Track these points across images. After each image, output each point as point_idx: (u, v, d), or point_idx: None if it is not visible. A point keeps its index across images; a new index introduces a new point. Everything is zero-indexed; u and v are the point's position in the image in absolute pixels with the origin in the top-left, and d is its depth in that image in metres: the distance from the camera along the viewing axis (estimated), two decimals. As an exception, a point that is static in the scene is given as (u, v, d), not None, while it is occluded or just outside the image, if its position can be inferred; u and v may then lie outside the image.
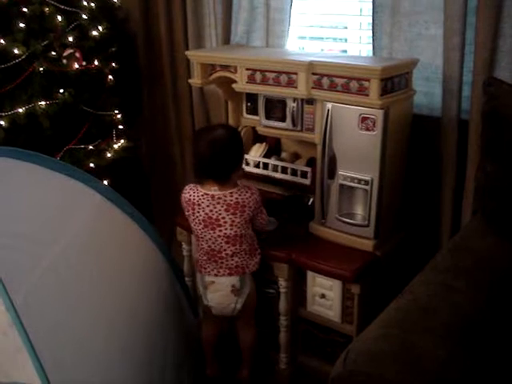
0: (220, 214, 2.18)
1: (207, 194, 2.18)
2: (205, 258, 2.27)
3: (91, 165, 2.82)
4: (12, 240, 1.73)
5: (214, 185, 2.18)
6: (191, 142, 2.26)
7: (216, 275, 2.25)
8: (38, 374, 1.48)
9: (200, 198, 2.19)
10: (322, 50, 2.88)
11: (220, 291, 2.27)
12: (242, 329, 2.44)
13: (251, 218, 2.23)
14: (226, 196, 2.17)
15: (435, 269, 1.78)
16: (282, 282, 2.37)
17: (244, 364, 2.49)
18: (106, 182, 2.81)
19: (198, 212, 2.20)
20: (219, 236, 2.20)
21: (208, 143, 2.15)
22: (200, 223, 2.21)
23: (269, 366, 2.56)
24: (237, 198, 2.18)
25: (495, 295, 1.67)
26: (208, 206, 2.18)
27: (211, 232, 2.20)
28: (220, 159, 2.15)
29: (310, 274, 2.33)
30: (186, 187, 2.27)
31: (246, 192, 2.20)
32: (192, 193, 2.22)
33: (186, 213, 2.26)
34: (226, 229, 2.18)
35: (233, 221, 2.18)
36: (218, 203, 2.17)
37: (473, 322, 1.53)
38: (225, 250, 2.22)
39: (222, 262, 2.24)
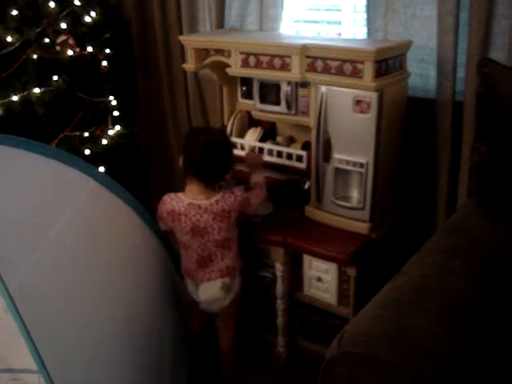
0: (208, 223, 2.15)
1: (193, 204, 2.15)
2: (195, 266, 2.23)
3: (87, 152, 2.82)
4: (7, 226, 1.73)
5: (199, 189, 2.16)
6: (184, 140, 2.23)
7: (208, 280, 2.22)
8: (34, 359, 1.48)
9: (186, 208, 2.15)
10: (319, 33, 2.87)
11: (211, 288, 2.24)
12: (222, 331, 2.41)
13: (236, 218, 2.23)
14: (212, 205, 2.15)
15: (430, 250, 1.79)
16: (278, 266, 2.38)
17: (223, 366, 2.45)
18: (102, 169, 2.80)
19: (185, 222, 2.16)
20: (208, 241, 2.18)
21: (205, 146, 2.14)
22: (187, 233, 2.18)
23: (266, 348, 2.57)
24: (223, 206, 2.16)
25: (489, 276, 1.67)
26: (195, 215, 2.15)
27: (200, 239, 2.18)
28: (217, 163, 2.16)
29: (306, 257, 2.33)
30: (166, 198, 2.21)
31: (230, 197, 2.18)
32: (175, 203, 2.17)
33: (170, 223, 2.21)
34: (213, 235, 2.17)
35: (220, 227, 2.16)
36: (205, 212, 2.15)
37: (467, 303, 1.53)
38: (215, 253, 2.20)
39: (213, 266, 2.21)
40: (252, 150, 2.59)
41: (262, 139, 2.63)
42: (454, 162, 2.38)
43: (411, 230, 2.47)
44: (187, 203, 2.15)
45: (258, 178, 2.36)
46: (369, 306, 1.55)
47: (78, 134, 2.83)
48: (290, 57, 2.25)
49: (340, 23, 2.81)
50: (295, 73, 2.26)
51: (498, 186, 1.95)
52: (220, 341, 2.43)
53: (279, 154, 2.53)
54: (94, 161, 2.67)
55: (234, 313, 2.38)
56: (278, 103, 2.43)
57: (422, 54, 2.41)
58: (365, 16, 2.50)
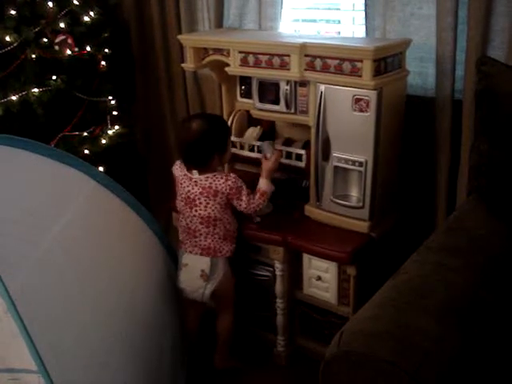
0: (196, 195, 2.26)
1: (187, 175, 2.28)
2: (184, 234, 2.34)
3: (86, 151, 2.82)
4: (7, 226, 1.73)
5: (195, 168, 2.27)
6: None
7: (191, 252, 2.32)
8: (34, 359, 1.48)
9: (182, 178, 2.30)
10: (318, 32, 2.86)
11: (191, 274, 2.32)
12: (219, 314, 2.46)
13: (226, 203, 2.28)
14: (201, 180, 2.25)
15: (430, 248, 1.78)
16: (278, 265, 2.38)
17: (217, 350, 2.49)
18: (101, 169, 2.80)
19: (180, 190, 2.31)
20: (195, 216, 2.27)
21: (186, 132, 2.26)
22: (182, 200, 2.31)
23: (266, 348, 2.57)
24: (210, 183, 2.24)
25: (490, 275, 1.67)
26: (188, 185, 2.28)
27: (189, 210, 2.28)
28: (196, 148, 2.23)
29: (305, 256, 2.33)
30: (177, 162, 2.37)
31: (221, 178, 2.25)
32: (178, 171, 2.33)
33: (176, 186, 2.35)
34: (200, 209, 2.26)
35: (207, 203, 2.25)
36: (196, 185, 2.26)
37: (467, 302, 1.53)
38: (199, 230, 2.28)
39: (195, 241, 2.30)
40: (251, 148, 2.59)
41: (262, 138, 2.63)
42: (453, 161, 2.38)
43: (411, 228, 2.47)
44: (183, 174, 2.31)
45: (266, 187, 2.33)
46: (368, 305, 1.55)
47: (77, 133, 2.82)
48: (288, 56, 2.24)
49: (339, 22, 2.81)
50: (294, 72, 2.25)
51: (498, 184, 1.95)
52: (217, 324, 2.47)
53: (279, 153, 2.53)
54: (93, 161, 2.67)
55: (228, 300, 2.42)
56: (277, 102, 2.42)
57: (420, 52, 2.40)
58: (363, 14, 2.49)
